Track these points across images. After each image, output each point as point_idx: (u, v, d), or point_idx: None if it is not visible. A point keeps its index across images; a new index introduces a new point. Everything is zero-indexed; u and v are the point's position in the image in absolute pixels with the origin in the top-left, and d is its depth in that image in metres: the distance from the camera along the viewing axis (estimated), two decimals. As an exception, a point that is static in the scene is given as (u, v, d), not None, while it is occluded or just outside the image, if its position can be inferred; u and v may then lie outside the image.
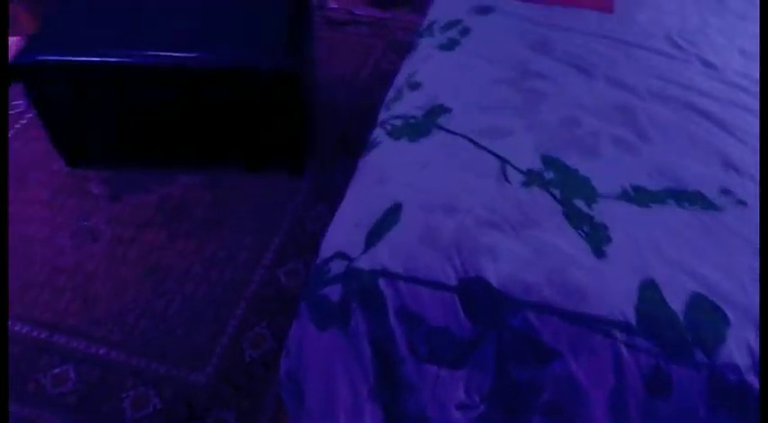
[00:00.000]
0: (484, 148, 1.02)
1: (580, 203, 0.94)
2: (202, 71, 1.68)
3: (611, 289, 0.86)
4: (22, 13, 2.52)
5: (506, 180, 0.97)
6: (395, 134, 1.11)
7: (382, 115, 1.23)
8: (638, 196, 0.97)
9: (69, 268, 1.68)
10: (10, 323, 1.55)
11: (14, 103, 2.24)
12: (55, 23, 1.89)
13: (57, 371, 1.47)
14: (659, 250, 0.90)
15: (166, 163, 1.96)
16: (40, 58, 1.71)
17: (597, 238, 0.90)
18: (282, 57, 1.70)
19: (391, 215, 0.93)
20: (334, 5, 2.76)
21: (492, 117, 1.09)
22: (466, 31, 1.34)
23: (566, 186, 0.97)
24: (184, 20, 1.80)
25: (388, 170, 1.03)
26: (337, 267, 0.93)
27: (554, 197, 0.95)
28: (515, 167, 0.99)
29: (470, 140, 1.04)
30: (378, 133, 1.17)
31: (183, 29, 1.76)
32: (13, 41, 2.53)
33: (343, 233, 0.97)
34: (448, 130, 1.07)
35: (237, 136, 1.87)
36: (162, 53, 1.67)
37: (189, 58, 1.67)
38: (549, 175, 0.99)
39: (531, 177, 0.98)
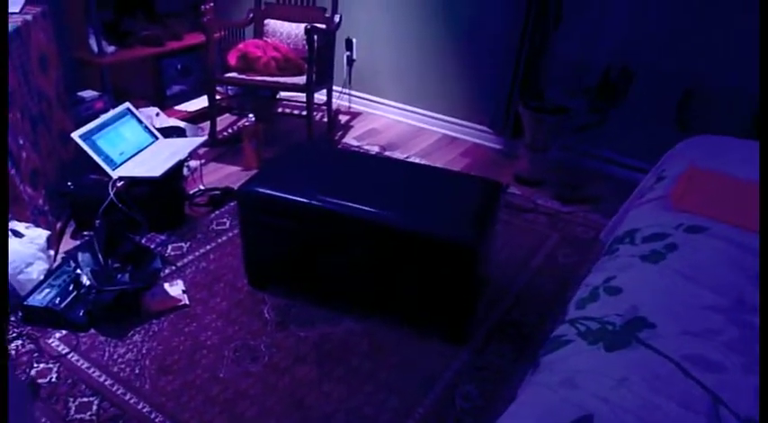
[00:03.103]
0: (693, 378, 0.93)
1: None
2: (389, 229, 1.81)
3: None
4: (251, 153, 2.98)
5: (719, 423, 0.86)
6: (589, 337, 1.07)
7: (572, 313, 1.20)
8: None
9: (225, 381, 1.76)
10: (163, 419, 1.62)
11: (222, 220, 2.57)
12: (275, 166, 2.19)
13: (185, 483, 1.48)
14: None
15: (335, 304, 2.05)
16: (258, 189, 1.97)
17: None
18: (467, 232, 1.78)
19: (581, 426, 0.86)
20: (516, 192, 2.89)
21: (703, 346, 1.01)
22: (672, 247, 1.30)
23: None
24: (384, 184, 2.01)
25: (579, 375, 0.97)
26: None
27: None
28: (733, 411, 0.88)
29: (678, 366, 0.96)
30: (566, 331, 1.13)
31: (380, 191, 1.95)
32: (235, 171, 2.97)
33: (523, 431, 0.91)
34: (651, 348, 1.00)
35: (407, 295, 1.93)
36: (355, 205, 1.85)
37: (377, 214, 1.82)
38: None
39: (750, 428, 0.86)
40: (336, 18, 3.20)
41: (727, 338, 1.03)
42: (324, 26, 3.09)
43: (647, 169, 2.26)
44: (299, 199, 1.90)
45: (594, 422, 0.87)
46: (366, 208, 1.85)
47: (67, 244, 2.33)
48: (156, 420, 1.62)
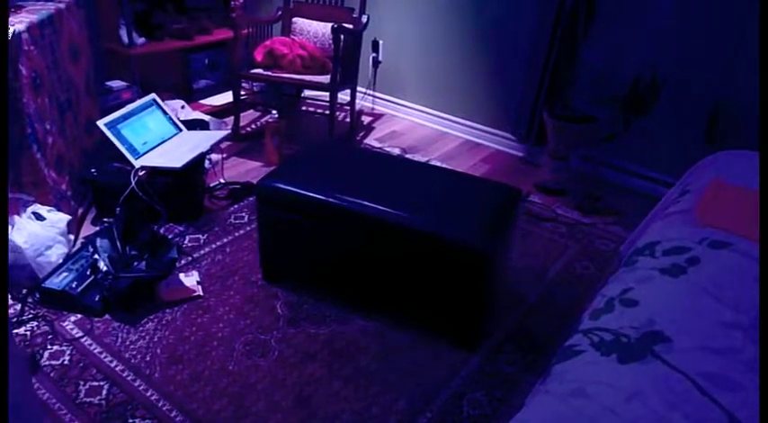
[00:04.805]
0: (709, 397, 0.91)
1: None
2: (404, 230, 1.80)
3: None
4: (272, 149, 2.99)
5: (734, 444, 0.83)
6: (603, 348, 1.04)
7: (586, 323, 1.17)
8: None
9: (234, 373, 1.76)
10: (171, 407, 1.62)
11: (241, 214, 2.58)
12: (295, 162, 2.19)
13: (188, 472, 1.48)
14: None
15: (348, 303, 2.04)
16: (277, 185, 1.97)
17: None
18: (483, 238, 1.76)
19: (589, 438, 0.84)
20: (537, 200, 2.86)
21: (719, 363, 0.98)
22: (694, 261, 1.27)
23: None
24: (402, 185, 1.99)
25: (590, 386, 0.95)
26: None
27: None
28: (748, 431, 0.85)
29: (693, 382, 0.93)
30: (579, 341, 1.11)
31: (398, 192, 1.93)
32: (256, 166, 2.99)
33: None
34: (666, 363, 0.97)
35: (420, 297, 1.91)
36: (372, 205, 1.84)
37: (393, 215, 1.81)
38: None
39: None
40: (364, 19, 3.20)
41: (746, 357, 1.00)
42: (351, 26, 3.10)
43: (671, 183, 2.22)
44: (316, 196, 1.90)
45: (603, 434, 0.85)
46: (382, 208, 1.84)
47: (88, 229, 2.36)
48: (164, 408, 1.63)
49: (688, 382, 0.94)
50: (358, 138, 3.43)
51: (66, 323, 1.89)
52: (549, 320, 2.08)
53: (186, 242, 2.35)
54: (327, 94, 3.00)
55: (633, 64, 2.69)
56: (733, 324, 1.08)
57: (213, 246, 2.35)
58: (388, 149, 3.29)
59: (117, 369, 1.74)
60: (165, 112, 2.64)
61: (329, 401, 1.69)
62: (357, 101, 3.49)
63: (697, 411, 0.89)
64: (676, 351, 1.01)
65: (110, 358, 1.78)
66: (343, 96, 3.36)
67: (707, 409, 0.90)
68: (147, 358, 1.79)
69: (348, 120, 3.46)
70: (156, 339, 1.86)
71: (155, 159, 2.41)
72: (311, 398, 1.70)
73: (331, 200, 1.89)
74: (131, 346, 1.82)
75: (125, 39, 2.99)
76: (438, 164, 3.14)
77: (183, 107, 3.14)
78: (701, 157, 2.07)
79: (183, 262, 2.22)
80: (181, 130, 2.66)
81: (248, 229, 2.48)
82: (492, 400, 1.74)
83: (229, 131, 2.94)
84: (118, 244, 2.03)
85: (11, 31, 1.89)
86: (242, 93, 3.29)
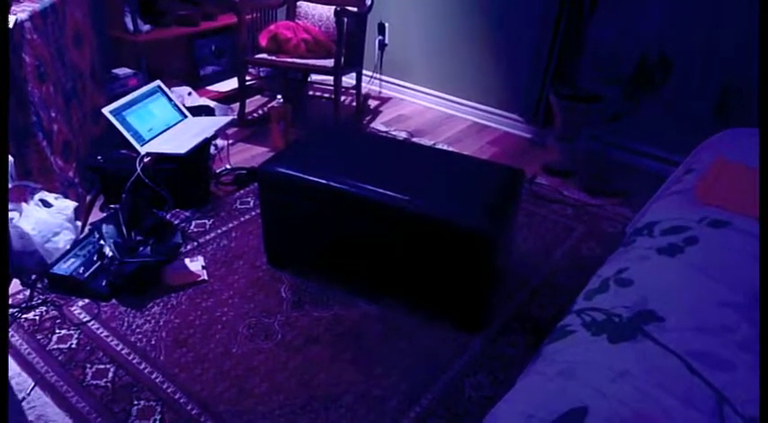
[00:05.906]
0: (698, 375, 0.90)
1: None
2: (405, 214, 1.79)
3: None
4: (278, 134, 3.00)
5: None
6: (593, 328, 1.03)
7: (580, 304, 1.17)
8: None
9: (237, 356, 1.78)
10: (175, 389, 1.65)
11: (246, 199, 2.60)
12: (297, 147, 2.19)
13: (192, 452, 1.50)
14: None
15: (352, 286, 2.05)
16: (278, 169, 1.98)
17: None
18: (483, 220, 1.75)
19: (573, 418, 0.83)
20: (544, 182, 2.83)
21: (712, 342, 0.97)
22: (692, 241, 1.25)
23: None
24: (404, 169, 1.98)
25: (579, 366, 0.94)
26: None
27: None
28: (736, 411, 0.84)
29: (683, 361, 0.92)
30: (572, 321, 1.10)
31: (399, 176, 1.92)
32: (263, 151, 3.00)
33: (513, 419, 0.89)
34: (657, 342, 0.96)
35: (422, 280, 1.91)
36: (372, 188, 1.84)
37: (393, 198, 1.81)
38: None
39: (752, 428, 0.82)
40: (368, 1, 3.17)
41: (739, 337, 0.98)
42: (355, 9, 3.07)
43: (679, 162, 2.18)
44: (316, 179, 1.90)
45: (589, 414, 0.85)
46: (382, 191, 1.83)
47: (97, 216, 2.39)
48: (168, 391, 1.65)
49: (677, 361, 0.93)
50: (364, 122, 3.42)
51: (73, 308, 1.92)
52: (553, 302, 2.07)
53: (192, 227, 2.37)
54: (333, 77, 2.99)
55: (641, 42, 2.63)
56: (728, 303, 1.06)
57: (219, 231, 2.37)
58: (394, 133, 3.28)
59: (123, 352, 1.77)
60: (169, 99, 2.66)
61: (331, 384, 1.71)
62: (364, 84, 3.47)
63: (685, 391, 0.88)
64: (668, 330, 1.00)
65: (116, 342, 1.81)
66: (350, 80, 3.34)
67: (696, 388, 0.89)
68: (153, 342, 1.81)
69: (355, 104, 3.45)
70: (161, 323, 1.89)
71: (160, 146, 2.42)
72: (313, 380, 1.72)
73: (332, 184, 1.89)
74: (137, 330, 1.85)
75: (130, 26, 3.00)
76: (445, 147, 3.13)
77: (189, 94, 3.15)
78: (709, 135, 2.03)
79: (188, 247, 2.24)
80: (186, 117, 2.67)
81: (253, 214, 2.49)
82: (494, 382, 1.74)
83: (234, 117, 2.95)
84: (123, 230, 2.05)
85: (13, 19, 1.90)
86: (248, 78, 3.29)
